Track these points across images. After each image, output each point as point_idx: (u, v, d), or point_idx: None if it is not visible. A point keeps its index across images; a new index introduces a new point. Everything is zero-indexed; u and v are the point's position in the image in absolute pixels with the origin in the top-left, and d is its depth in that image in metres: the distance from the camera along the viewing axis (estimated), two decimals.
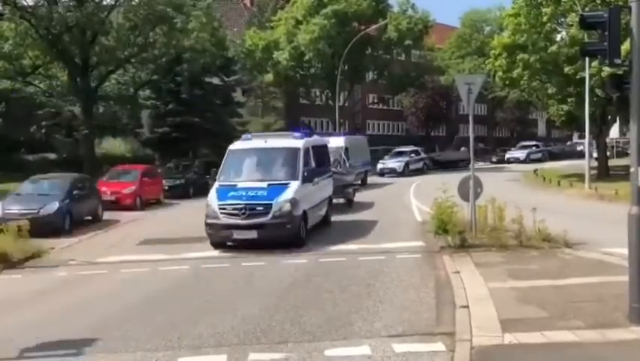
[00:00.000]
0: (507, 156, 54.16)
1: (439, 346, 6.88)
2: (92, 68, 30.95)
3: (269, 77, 46.39)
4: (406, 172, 38.53)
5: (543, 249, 11.89)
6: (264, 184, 13.83)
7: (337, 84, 42.97)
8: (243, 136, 16.25)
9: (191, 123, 35.78)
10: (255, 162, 14.89)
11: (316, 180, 15.28)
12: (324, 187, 16.33)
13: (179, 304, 9.27)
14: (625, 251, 7.63)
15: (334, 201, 18.70)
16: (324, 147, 17.89)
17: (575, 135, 64.50)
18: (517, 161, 51.78)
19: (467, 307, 8.15)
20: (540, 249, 11.90)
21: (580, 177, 28.52)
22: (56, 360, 7.05)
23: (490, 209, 13.34)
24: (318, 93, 50.57)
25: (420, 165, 41.18)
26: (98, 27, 29.07)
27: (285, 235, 13.26)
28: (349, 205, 20.90)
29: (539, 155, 54.75)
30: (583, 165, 28.53)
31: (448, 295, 9.01)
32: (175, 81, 36.92)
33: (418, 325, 7.71)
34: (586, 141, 29.13)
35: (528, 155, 53.97)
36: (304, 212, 13.91)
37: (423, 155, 42.74)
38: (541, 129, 77.92)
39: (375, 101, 57.96)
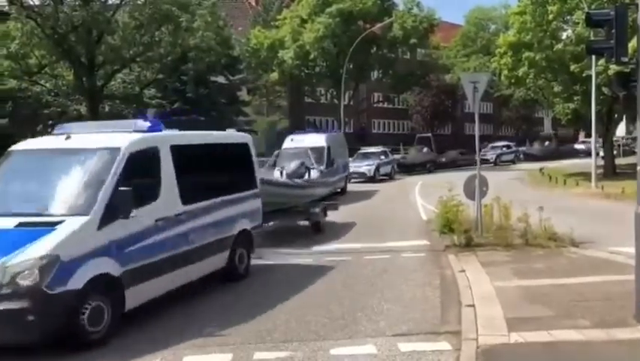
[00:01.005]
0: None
1: (444, 345, 6.86)
2: (97, 67, 30.98)
3: (274, 75, 46.45)
4: (377, 177, 33.91)
5: (549, 248, 11.84)
6: (10, 223, 7.17)
7: (342, 83, 42.94)
8: (57, 128, 9.22)
9: (196, 122, 35.81)
10: (34, 175, 8.16)
11: (171, 211, 8.45)
12: (215, 220, 9.59)
13: (184, 303, 9.27)
14: (631, 250, 7.60)
15: (297, 223, 15.02)
16: (235, 146, 10.86)
17: (582, 134, 63.94)
18: (486, 163, 44.59)
19: (473, 306, 8.12)
20: (546, 248, 11.85)
21: (586, 175, 28.43)
22: (59, 358, 7.05)
23: (495, 208, 13.31)
24: (323, 92, 50.62)
25: (389, 168, 36.22)
26: (104, 26, 29.10)
27: (24, 335, 6.68)
28: (317, 230, 15.06)
29: (511, 156, 49.61)
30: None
31: (454, 294, 8.99)
32: (180, 80, 37.01)
33: (424, 324, 7.70)
34: (592, 139, 29.01)
35: (498, 156, 48.45)
36: (104, 281, 7.22)
37: (392, 156, 37.92)
38: (547, 128, 77.75)
39: (381, 99, 57.94)
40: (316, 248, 13.41)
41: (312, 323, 7.88)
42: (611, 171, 31.65)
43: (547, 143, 58.51)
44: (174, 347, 7.18)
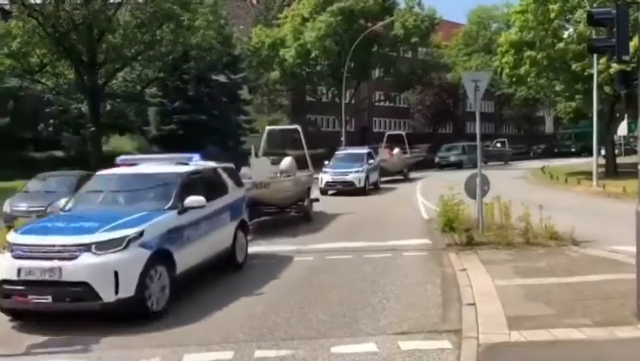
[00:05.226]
0: (322, 177, 25.83)
1: (445, 343, 6.86)
2: (98, 65, 30.99)
3: (275, 74, 46.45)
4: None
5: (550, 247, 11.84)
6: None
7: (344, 81, 42.93)
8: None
9: (197, 121, 35.86)
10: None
11: None
12: None
13: (184, 301, 9.28)
14: (632, 249, 7.60)
15: None
16: None
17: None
18: (349, 186, 25.74)
19: (474, 304, 8.13)
20: (547, 246, 11.85)
21: (587, 174, 28.42)
22: (63, 356, 7.07)
23: (496, 207, 13.31)
24: (324, 90, 50.62)
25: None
26: (105, 25, 29.12)
27: None
28: None
29: (375, 176, 28.32)
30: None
31: (455, 293, 8.99)
32: (181, 79, 37.03)
33: (425, 322, 7.70)
34: (594, 138, 28.95)
35: (367, 175, 26.61)
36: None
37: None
38: (549, 127, 77.75)
39: (382, 98, 57.92)
40: (317, 246, 13.41)
41: (314, 320, 7.89)
42: (612, 170, 31.62)
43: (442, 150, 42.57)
44: (175, 344, 7.19)
